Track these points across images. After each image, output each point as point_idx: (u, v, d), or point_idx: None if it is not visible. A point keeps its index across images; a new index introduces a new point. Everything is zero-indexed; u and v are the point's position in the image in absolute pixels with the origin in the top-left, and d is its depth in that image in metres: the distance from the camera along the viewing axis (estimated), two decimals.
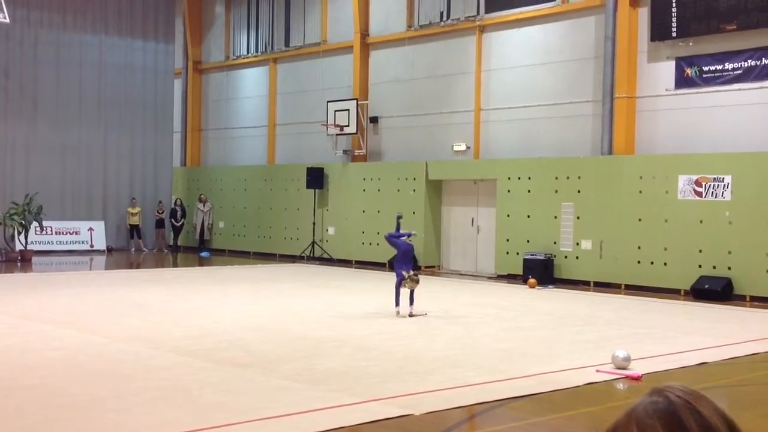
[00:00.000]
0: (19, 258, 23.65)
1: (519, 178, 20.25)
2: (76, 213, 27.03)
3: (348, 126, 24.10)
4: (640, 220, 18.05)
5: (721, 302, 16.03)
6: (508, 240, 20.41)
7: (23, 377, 8.41)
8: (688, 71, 18.06)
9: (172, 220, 28.50)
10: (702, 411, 1.49)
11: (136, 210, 27.96)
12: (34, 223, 24.06)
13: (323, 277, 20.18)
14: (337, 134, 24.54)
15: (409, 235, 14.10)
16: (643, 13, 18.75)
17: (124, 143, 28.13)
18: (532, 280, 18.55)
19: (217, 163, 29.89)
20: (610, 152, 18.97)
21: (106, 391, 7.85)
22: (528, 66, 20.90)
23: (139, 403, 7.39)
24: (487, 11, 21.71)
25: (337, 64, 25.43)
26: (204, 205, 28.49)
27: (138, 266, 23.92)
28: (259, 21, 28.25)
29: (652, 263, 17.87)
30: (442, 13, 22.73)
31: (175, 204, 28.71)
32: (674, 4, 17.90)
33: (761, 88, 17.06)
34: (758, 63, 17.07)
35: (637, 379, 8.84)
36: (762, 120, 17.09)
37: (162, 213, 28.56)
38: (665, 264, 17.67)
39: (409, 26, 23.58)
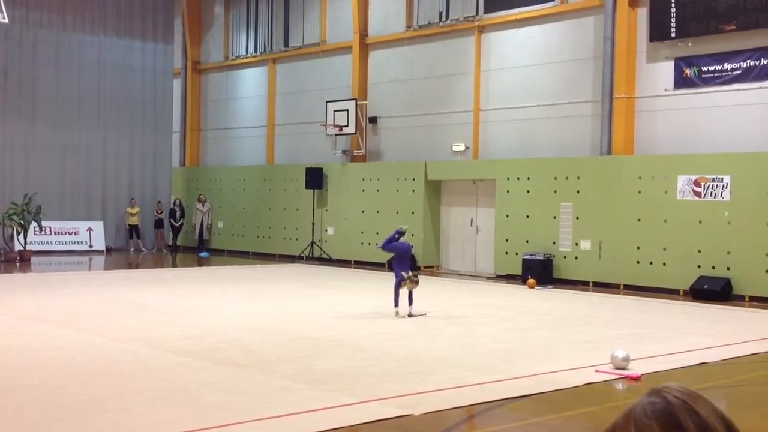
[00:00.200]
0: (18, 258, 23.64)
1: (518, 179, 20.26)
2: (75, 213, 27.02)
3: (347, 126, 24.10)
4: (639, 220, 18.05)
5: (720, 302, 16.04)
6: (507, 240, 20.41)
7: (22, 377, 8.41)
8: (687, 71, 18.07)
9: (171, 221, 28.49)
10: (700, 411, 1.49)
11: (135, 210, 27.96)
12: (33, 224, 24.06)
13: (322, 278, 20.18)
14: (336, 134, 24.54)
15: (400, 234, 13.98)
16: (642, 14, 18.75)
17: (123, 143, 28.12)
18: (531, 281, 18.56)
19: (216, 164, 29.89)
20: (609, 152, 18.97)
21: (105, 391, 7.85)
22: (527, 66, 20.91)
23: (138, 403, 7.39)
24: (486, 11, 21.72)
25: (337, 65, 25.43)
26: (203, 206, 28.48)
27: (137, 266, 23.91)
28: (258, 21, 28.25)
29: (651, 263, 17.88)
30: (441, 14, 22.74)
31: (174, 204, 28.71)
32: (673, 5, 17.90)
33: (760, 88, 17.07)
34: (757, 63, 17.08)
35: (637, 379, 8.85)
36: (761, 120, 17.10)
37: (161, 213, 28.56)
38: (664, 264, 17.68)
39: (408, 26, 23.59)
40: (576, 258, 19.11)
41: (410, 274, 13.20)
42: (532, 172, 19.99)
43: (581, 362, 9.67)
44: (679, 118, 18.28)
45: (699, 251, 17.14)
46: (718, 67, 17.58)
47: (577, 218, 19.11)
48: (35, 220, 23.94)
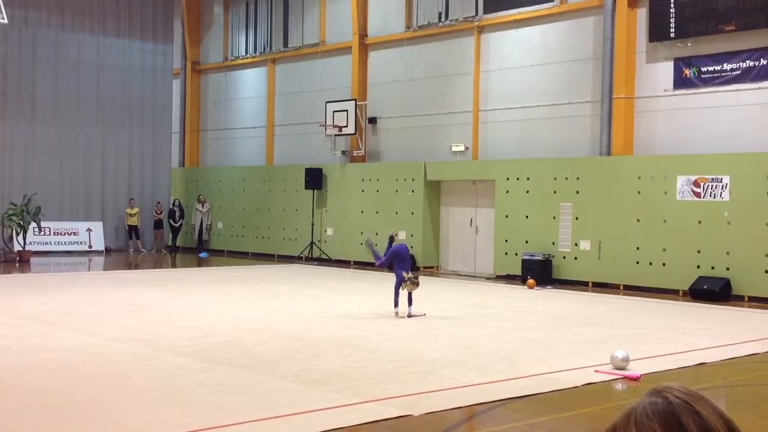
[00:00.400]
0: (18, 259, 23.63)
1: (518, 179, 20.25)
2: (75, 214, 27.02)
3: (346, 126, 24.09)
4: (638, 220, 18.05)
5: (720, 303, 16.04)
6: (506, 240, 20.41)
7: (21, 378, 8.40)
8: (687, 72, 18.07)
9: (171, 221, 28.47)
10: (701, 411, 1.49)
11: (135, 211, 27.95)
12: (33, 224, 24.05)
13: (322, 278, 20.18)
14: (335, 135, 24.54)
15: (391, 239, 14.01)
16: (642, 14, 18.75)
17: (122, 144, 28.12)
18: (530, 281, 18.56)
19: (215, 164, 29.88)
20: (609, 153, 18.97)
21: (104, 391, 7.84)
22: (526, 67, 20.90)
23: (137, 403, 7.38)
24: (486, 12, 21.71)
25: (336, 65, 25.43)
26: (203, 206, 28.48)
27: (136, 267, 23.91)
28: (257, 22, 28.24)
29: (650, 264, 17.88)
30: (440, 14, 22.73)
31: (174, 205, 28.69)
32: (673, 5, 17.90)
33: (760, 88, 17.07)
34: (756, 63, 17.08)
35: (636, 379, 8.84)
36: (760, 120, 17.10)
37: (160, 214, 28.55)
38: (664, 264, 17.67)
39: (408, 27, 23.59)
40: (575, 258, 19.11)
41: (410, 275, 13.20)
42: (532, 173, 19.99)
43: (581, 362, 9.66)
44: (678, 118, 18.28)
45: (698, 251, 17.14)
46: (718, 68, 17.58)
47: (577, 218, 19.11)
48: (34, 221, 23.93)
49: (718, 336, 12.04)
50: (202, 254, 26.72)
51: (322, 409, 7.27)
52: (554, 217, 19.47)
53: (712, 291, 16.51)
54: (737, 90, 17.34)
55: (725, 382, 9.18)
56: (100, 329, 11.55)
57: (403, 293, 13.14)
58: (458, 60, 22.34)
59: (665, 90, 18.43)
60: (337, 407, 7.38)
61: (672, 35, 18.00)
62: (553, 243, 19.44)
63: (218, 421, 6.82)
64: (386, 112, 24.16)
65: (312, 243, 25.04)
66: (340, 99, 24.53)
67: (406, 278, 13.04)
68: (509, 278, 20.12)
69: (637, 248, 18.05)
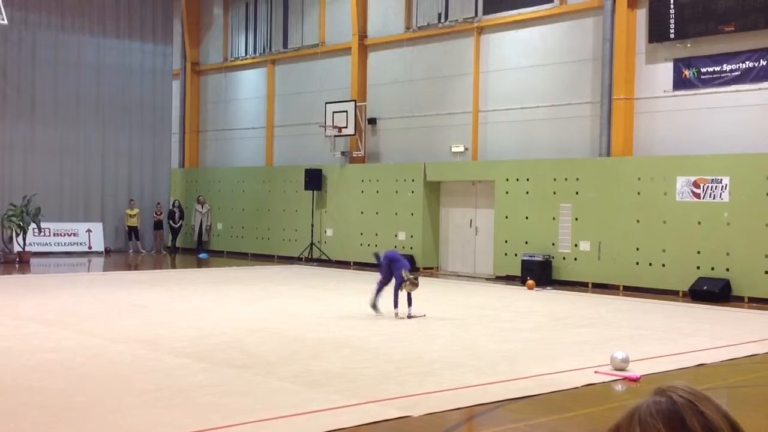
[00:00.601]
0: (17, 259, 23.62)
1: (517, 180, 20.25)
2: (75, 214, 27.02)
3: (346, 127, 24.09)
4: (638, 221, 18.05)
5: (720, 303, 16.03)
6: (506, 241, 20.41)
7: (21, 379, 8.40)
8: (686, 73, 18.07)
9: (170, 222, 28.46)
10: (705, 411, 1.49)
11: (135, 211, 27.95)
12: (32, 225, 24.04)
13: (321, 279, 20.18)
14: (335, 135, 24.54)
15: (377, 256, 14.07)
16: (641, 15, 18.76)
17: (122, 145, 28.12)
18: (530, 282, 18.55)
19: (215, 165, 29.88)
20: (609, 154, 18.98)
21: (104, 392, 7.84)
22: (526, 67, 20.91)
23: (137, 404, 7.38)
24: (485, 13, 21.72)
25: (336, 66, 25.42)
26: (202, 207, 28.47)
27: (136, 268, 23.91)
28: (257, 22, 28.25)
29: (650, 264, 17.87)
30: (440, 15, 22.74)
31: (173, 206, 28.68)
32: (672, 6, 17.90)
33: (759, 89, 17.07)
34: (756, 64, 17.08)
35: (636, 380, 8.84)
36: (760, 121, 17.10)
37: (160, 214, 28.54)
38: (663, 265, 17.67)
39: (408, 28, 23.59)
40: (575, 259, 19.11)
41: (411, 275, 13.22)
42: (532, 173, 19.99)
43: (581, 363, 9.66)
44: (678, 119, 18.28)
45: (698, 252, 17.14)
46: (717, 69, 17.58)
47: (577, 219, 19.11)
48: (34, 222, 23.93)
49: (717, 337, 12.03)
50: (202, 255, 26.71)
51: (321, 410, 7.26)
52: (554, 218, 19.47)
53: (712, 292, 16.51)
54: (737, 91, 17.35)
55: (725, 383, 9.18)
56: (100, 330, 11.55)
57: (403, 294, 13.14)
58: (458, 61, 22.35)
59: (665, 91, 18.43)
60: (336, 408, 7.38)
61: (672, 36, 18.00)
62: (553, 244, 19.44)
63: (218, 421, 6.81)
64: (386, 112, 24.17)
65: (312, 244, 25.04)
66: (340, 100, 24.53)
67: (405, 279, 13.04)
68: (509, 279, 20.12)
69: (637, 249, 18.05)
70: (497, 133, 21.50)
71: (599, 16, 19.36)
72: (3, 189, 25.45)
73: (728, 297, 16.48)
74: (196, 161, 30.71)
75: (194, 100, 30.50)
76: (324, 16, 25.93)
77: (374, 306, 13.49)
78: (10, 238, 24.42)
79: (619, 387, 8.80)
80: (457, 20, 22.28)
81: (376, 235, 23.36)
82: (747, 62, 17.20)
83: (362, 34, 24.59)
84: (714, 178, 16.95)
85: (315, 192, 24.94)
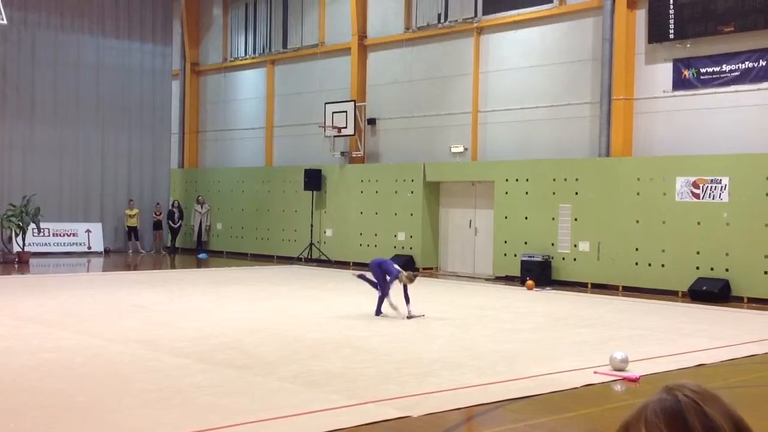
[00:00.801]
0: (17, 260, 23.62)
1: (517, 180, 20.26)
2: (74, 215, 27.01)
3: (346, 128, 24.09)
4: (637, 221, 18.05)
5: (719, 304, 16.03)
6: (505, 242, 20.41)
7: (21, 379, 8.40)
8: (686, 73, 18.07)
9: (170, 222, 28.45)
10: (709, 412, 1.48)
11: (134, 212, 27.94)
12: (32, 225, 24.04)
13: (321, 279, 20.18)
14: (334, 136, 24.54)
15: (362, 277, 14.09)
16: (641, 15, 18.76)
17: (121, 145, 28.12)
18: (530, 282, 18.55)
19: (214, 165, 29.88)
20: (608, 154, 18.98)
21: (103, 392, 7.84)
22: (526, 68, 20.91)
23: (136, 404, 7.38)
24: (485, 13, 21.72)
25: (335, 66, 25.42)
26: (202, 207, 28.47)
27: (135, 268, 23.90)
28: (256, 23, 28.25)
29: (649, 265, 17.88)
30: (439, 15, 22.74)
31: (172, 206, 28.67)
32: (672, 6, 17.91)
33: (758, 89, 17.08)
34: (755, 65, 17.09)
35: (635, 380, 8.85)
36: (759, 121, 17.11)
37: (160, 215, 28.53)
38: (663, 265, 17.68)
39: (407, 28, 23.59)
40: (575, 259, 19.11)
41: (408, 273, 13.32)
42: (531, 174, 19.99)
43: (580, 364, 9.66)
44: (677, 119, 18.28)
45: (698, 252, 17.15)
46: (717, 69, 17.59)
47: (576, 220, 19.11)
48: (33, 222, 23.92)
49: (717, 337, 12.04)
50: (202, 255, 26.70)
51: (321, 410, 7.27)
52: (553, 218, 19.47)
53: (712, 292, 16.51)
54: (736, 91, 17.35)
55: (724, 383, 9.18)
56: (100, 330, 11.55)
57: (399, 291, 13.15)
58: (457, 61, 22.35)
59: (664, 91, 18.44)
60: (336, 408, 7.38)
61: (671, 36, 18.01)
62: (553, 244, 19.44)
63: (217, 422, 6.82)
64: (385, 113, 24.17)
65: (311, 244, 25.04)
66: (340, 100, 24.53)
67: (402, 275, 13.12)
68: (508, 279, 20.12)
69: (636, 249, 18.05)
70: (497, 134, 21.50)
71: (599, 17, 19.36)
72: (2, 189, 25.45)
73: (727, 297, 16.49)
74: (196, 161, 30.70)
75: (194, 101, 30.49)
76: (323, 17, 25.93)
77: (377, 311, 13.42)
78: (10, 238, 24.42)
79: (618, 387, 8.81)
80: (456, 20, 22.28)
81: (376, 235, 23.37)
82: (746, 63, 17.20)
83: (362, 35, 24.59)
84: (713, 178, 16.95)
85: (314, 192, 24.94)
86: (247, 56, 28.56)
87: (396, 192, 22.96)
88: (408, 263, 21.89)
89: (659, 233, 17.69)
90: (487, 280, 20.67)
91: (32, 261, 23.69)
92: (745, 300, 16.42)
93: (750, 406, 8.05)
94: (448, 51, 22.65)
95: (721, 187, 16.83)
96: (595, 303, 16.16)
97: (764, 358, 10.55)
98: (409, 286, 13.34)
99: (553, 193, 19.48)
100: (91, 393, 7.82)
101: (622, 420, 1.54)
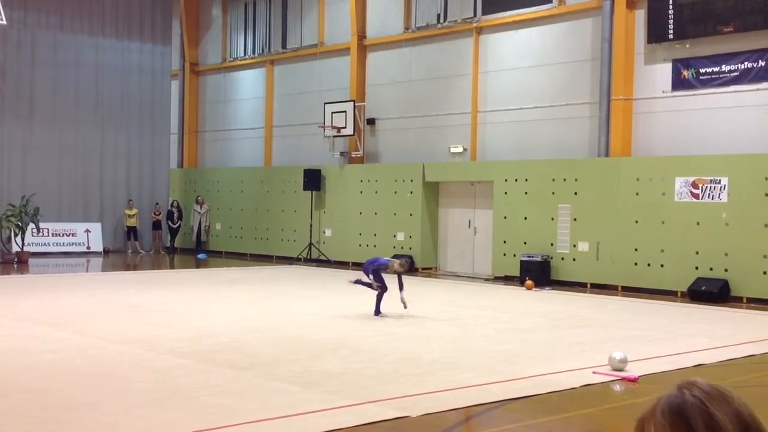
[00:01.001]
0: (16, 260, 23.62)
1: (516, 180, 20.26)
2: (73, 215, 27.01)
3: (345, 128, 24.09)
4: (636, 221, 18.06)
5: (718, 304, 16.03)
6: (505, 242, 20.41)
7: (20, 380, 8.40)
8: (685, 73, 18.08)
9: (169, 222, 28.44)
10: (715, 413, 1.48)
11: (133, 212, 27.94)
12: (31, 225, 24.03)
13: (320, 279, 20.18)
14: (334, 136, 24.54)
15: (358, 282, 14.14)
16: (640, 15, 18.77)
17: (121, 145, 28.11)
18: (529, 282, 18.55)
19: (214, 165, 29.87)
20: (607, 154, 18.99)
21: (102, 393, 7.84)
22: (525, 68, 20.91)
23: (135, 405, 7.38)
24: (484, 13, 21.72)
25: (334, 66, 25.42)
26: (201, 207, 28.47)
27: (135, 268, 23.90)
28: (256, 23, 28.24)
29: (648, 265, 17.88)
30: (439, 15, 22.74)
31: (172, 206, 28.66)
32: (671, 6, 17.91)
33: (758, 90, 17.08)
34: (755, 65, 17.09)
35: (634, 380, 8.85)
36: (758, 122, 17.11)
37: (159, 215, 28.53)
38: (662, 266, 17.68)
39: (406, 28, 23.59)
40: (574, 259, 19.12)
41: (400, 260, 13.48)
42: (530, 174, 19.99)
43: (579, 364, 9.67)
44: (676, 119, 18.29)
45: (697, 253, 17.15)
46: (716, 69, 17.59)
47: (575, 220, 19.11)
48: (33, 222, 23.92)
49: (716, 337, 12.04)
50: (201, 255, 26.70)
51: (319, 411, 7.27)
52: (552, 219, 19.47)
53: (711, 292, 16.52)
54: (736, 91, 17.35)
55: (723, 383, 9.16)
56: (99, 330, 11.54)
57: (393, 280, 13.22)
58: (457, 61, 22.35)
59: (663, 91, 18.44)
60: (334, 408, 7.38)
61: (670, 36, 18.01)
62: (552, 244, 19.44)
63: (216, 422, 6.82)
64: (385, 113, 24.17)
65: (311, 244, 25.03)
66: (339, 100, 24.53)
67: (393, 263, 13.24)
68: (508, 279, 20.12)
69: (636, 249, 18.05)
70: (496, 134, 21.51)
71: (598, 17, 19.36)
72: (1, 189, 25.44)
73: (727, 297, 16.49)
74: (195, 161, 30.70)
75: (193, 101, 30.49)
76: (323, 17, 25.93)
77: (376, 311, 13.46)
78: (9, 239, 24.41)
79: (617, 387, 8.81)
80: (456, 21, 22.29)
81: (375, 235, 23.37)
82: (746, 63, 17.21)
83: (361, 35, 24.59)
84: (712, 178, 16.96)
85: (314, 192, 24.94)
86: (247, 56, 28.56)
87: (395, 192, 22.97)
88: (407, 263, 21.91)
89: (658, 233, 17.70)
90: (486, 280, 20.68)
91: (31, 261, 23.68)
92: (744, 300, 16.43)
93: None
94: (447, 51, 22.65)
95: (721, 187, 16.83)
96: (594, 303, 16.16)
97: (763, 359, 10.55)
98: (403, 276, 13.50)
99: (553, 193, 19.49)
100: (90, 393, 7.82)
101: (638, 415, 1.55)
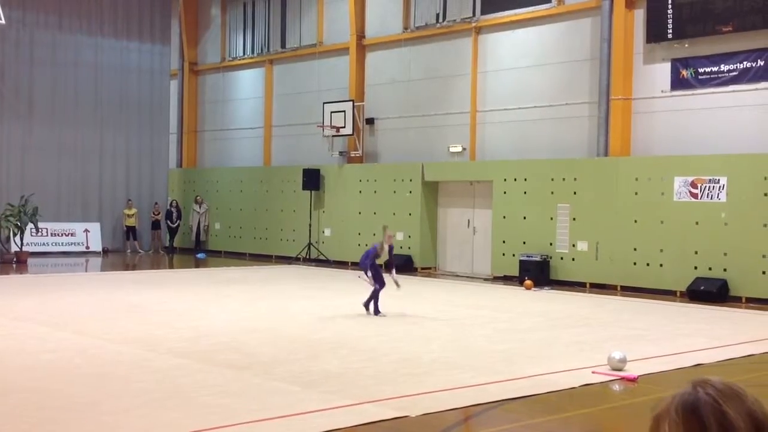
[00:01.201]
0: (15, 259, 23.61)
1: (515, 180, 20.26)
2: (72, 214, 27.00)
3: (344, 127, 24.09)
4: (635, 221, 18.06)
5: (717, 304, 16.04)
6: (504, 241, 20.41)
7: (19, 379, 8.40)
8: (684, 73, 18.08)
9: (168, 222, 28.43)
10: (728, 411, 1.48)
11: (132, 211, 27.93)
12: (30, 225, 24.02)
13: (319, 279, 20.18)
14: (333, 135, 24.54)
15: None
16: (639, 15, 18.77)
17: (120, 144, 28.10)
18: (528, 282, 18.55)
19: (213, 165, 29.87)
20: (606, 154, 18.99)
21: (102, 393, 7.84)
22: (524, 68, 20.91)
23: (135, 405, 7.38)
24: (483, 13, 21.72)
25: (333, 66, 25.42)
26: (200, 207, 28.46)
27: (134, 268, 23.89)
28: (255, 22, 28.23)
29: (648, 264, 17.89)
30: (438, 15, 22.73)
31: (171, 205, 28.65)
32: (670, 6, 17.92)
33: (756, 89, 17.09)
34: (754, 65, 17.10)
35: (633, 380, 8.85)
36: (757, 121, 17.12)
37: (158, 214, 28.51)
38: (661, 265, 17.69)
39: (405, 28, 23.59)
40: (573, 259, 19.12)
41: (384, 235, 13.82)
42: (529, 174, 19.99)
43: (578, 364, 9.67)
44: (675, 119, 18.29)
45: (696, 252, 17.16)
46: (715, 69, 17.60)
47: (574, 219, 19.12)
48: (32, 222, 23.91)
49: (715, 337, 12.05)
50: (200, 255, 26.70)
51: (318, 411, 7.27)
52: (552, 218, 19.47)
53: (710, 292, 16.52)
54: (734, 91, 17.36)
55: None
56: (98, 330, 11.54)
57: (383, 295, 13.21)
58: (456, 61, 22.35)
59: (662, 91, 18.44)
60: (333, 408, 7.38)
61: (669, 36, 18.02)
62: (551, 244, 19.45)
63: (216, 422, 6.82)
64: (384, 112, 24.17)
65: (310, 244, 25.03)
66: (338, 100, 24.52)
67: (379, 244, 13.27)
68: (507, 279, 20.12)
69: (635, 249, 18.06)
70: (495, 133, 21.51)
71: (597, 17, 19.36)
72: (0, 189, 25.42)
73: (726, 297, 16.50)
74: (194, 161, 30.69)
75: (192, 100, 30.48)
76: (322, 16, 25.92)
77: (375, 310, 13.49)
78: (8, 238, 24.40)
79: (616, 387, 8.81)
80: (455, 20, 22.28)
81: (374, 235, 23.29)
82: (745, 62, 17.21)
83: (360, 34, 24.58)
84: (711, 178, 16.97)
85: (313, 192, 24.94)
86: (246, 56, 28.55)
87: (394, 192, 22.96)
88: (406, 263, 21.93)
89: (657, 233, 17.70)
90: (485, 279, 20.68)
91: (30, 261, 23.67)
92: (743, 300, 16.44)
93: None
94: (446, 51, 22.65)
95: (720, 187, 16.84)
96: (593, 303, 16.17)
97: (762, 358, 10.56)
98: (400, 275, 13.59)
99: (552, 193, 19.49)
100: (90, 393, 7.82)
101: (654, 412, 1.56)
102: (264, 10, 27.81)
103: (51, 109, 26.57)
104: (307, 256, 24.99)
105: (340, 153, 24.86)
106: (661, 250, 17.65)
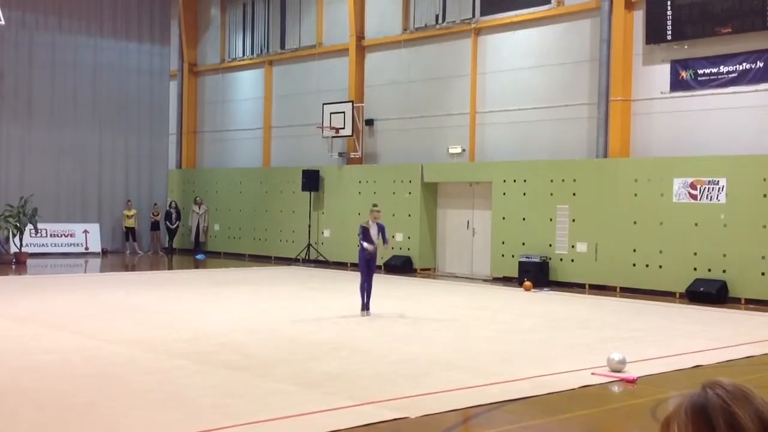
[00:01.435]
0: (14, 260, 23.60)
1: (514, 181, 20.26)
2: (71, 215, 26.99)
3: (343, 128, 24.09)
4: (635, 222, 18.06)
5: (716, 305, 16.03)
6: (503, 242, 20.41)
7: (18, 380, 8.39)
8: (683, 74, 18.09)
9: (167, 223, 28.43)
10: (736, 412, 1.49)
11: (132, 212, 27.92)
12: (29, 226, 24.01)
13: (319, 280, 20.17)
14: (332, 137, 24.54)
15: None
16: (639, 16, 18.78)
17: (119, 145, 28.10)
18: (527, 283, 18.54)
19: (212, 166, 29.86)
20: (606, 155, 18.99)
21: (101, 394, 7.83)
22: (523, 69, 20.91)
23: (134, 406, 7.38)
24: (483, 14, 21.72)
25: (333, 67, 25.42)
26: (199, 208, 28.46)
27: (133, 269, 23.89)
28: (254, 23, 28.24)
29: (647, 266, 17.89)
30: (437, 16, 22.73)
31: (170, 206, 28.65)
32: (669, 7, 17.93)
33: (756, 91, 17.09)
34: (753, 66, 17.10)
35: (633, 381, 8.85)
36: (757, 123, 17.12)
37: (157, 215, 28.51)
38: (660, 267, 17.69)
39: (405, 29, 23.59)
40: (572, 260, 19.12)
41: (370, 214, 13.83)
42: (529, 175, 20.00)
43: (577, 365, 9.67)
44: (675, 120, 18.30)
45: (695, 254, 17.16)
46: (714, 70, 17.60)
47: (574, 221, 19.12)
48: (31, 223, 23.90)
49: (714, 338, 12.05)
50: (199, 256, 26.70)
51: (318, 412, 7.27)
52: (551, 219, 19.48)
53: (709, 293, 16.52)
54: (734, 92, 17.36)
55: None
56: (97, 331, 11.54)
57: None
58: (455, 62, 22.35)
59: (662, 92, 18.45)
60: (333, 409, 7.38)
61: (669, 37, 18.02)
62: (550, 245, 19.45)
63: (215, 423, 6.81)
64: (383, 113, 24.17)
65: (309, 245, 25.03)
66: (337, 101, 24.53)
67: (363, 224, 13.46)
68: (506, 280, 20.12)
69: (634, 250, 18.06)
70: (495, 135, 21.51)
71: (596, 18, 19.37)
72: (0, 190, 25.42)
73: (725, 298, 16.50)
74: (194, 162, 30.69)
75: (191, 101, 30.48)
76: (321, 17, 25.93)
77: (367, 309, 13.53)
78: (7, 239, 24.39)
79: (615, 388, 8.81)
80: (454, 21, 22.29)
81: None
82: (744, 64, 17.22)
83: (360, 35, 24.59)
84: (711, 179, 16.97)
85: (312, 193, 24.93)
86: (245, 57, 28.55)
87: (394, 193, 22.96)
88: (406, 264, 21.96)
89: (657, 234, 17.70)
90: (484, 281, 20.67)
91: (30, 262, 23.66)
92: (743, 301, 16.44)
93: None
94: (446, 52, 22.65)
95: (719, 188, 16.84)
96: (592, 304, 16.16)
97: (761, 360, 10.56)
98: (387, 232, 13.82)
99: (551, 194, 19.49)
100: (89, 394, 7.81)
101: (665, 414, 1.56)
102: (263, 11, 27.81)
103: (50, 109, 26.57)
104: (307, 257, 24.98)
105: (340, 154, 24.86)
106: (661, 252, 17.65)
